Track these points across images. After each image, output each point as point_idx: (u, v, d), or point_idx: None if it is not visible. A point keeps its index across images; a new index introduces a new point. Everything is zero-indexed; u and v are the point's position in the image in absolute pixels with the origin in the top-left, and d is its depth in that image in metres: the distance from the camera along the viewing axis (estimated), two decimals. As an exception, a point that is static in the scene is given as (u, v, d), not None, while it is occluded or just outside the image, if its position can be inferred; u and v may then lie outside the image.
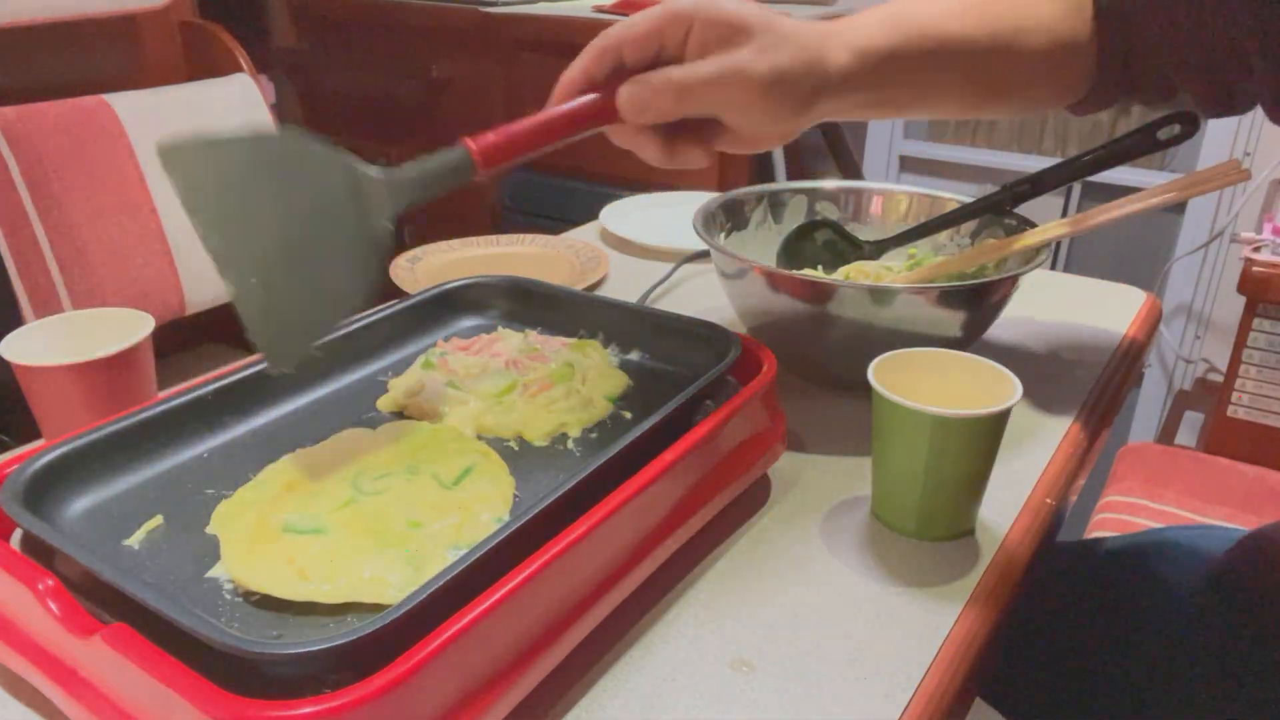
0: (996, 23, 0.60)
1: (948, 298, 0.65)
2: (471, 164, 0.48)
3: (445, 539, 0.46)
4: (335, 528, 0.47)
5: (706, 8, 0.52)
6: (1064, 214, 1.95)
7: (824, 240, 0.80)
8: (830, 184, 0.84)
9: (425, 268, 0.95)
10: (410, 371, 0.63)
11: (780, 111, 0.53)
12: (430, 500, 0.49)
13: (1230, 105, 0.62)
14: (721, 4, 0.52)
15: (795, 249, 0.79)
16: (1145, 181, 1.82)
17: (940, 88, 0.61)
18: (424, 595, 0.38)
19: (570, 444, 0.57)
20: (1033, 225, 0.74)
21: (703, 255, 0.96)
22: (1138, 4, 0.60)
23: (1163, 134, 0.68)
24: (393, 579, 0.43)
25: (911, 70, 0.58)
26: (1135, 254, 1.92)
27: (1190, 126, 0.67)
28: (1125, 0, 0.60)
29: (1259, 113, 0.61)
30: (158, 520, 0.48)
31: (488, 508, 0.49)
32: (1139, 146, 0.69)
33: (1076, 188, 1.94)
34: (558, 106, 0.53)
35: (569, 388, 0.60)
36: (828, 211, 0.83)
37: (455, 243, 1.01)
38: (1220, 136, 1.72)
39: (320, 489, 0.49)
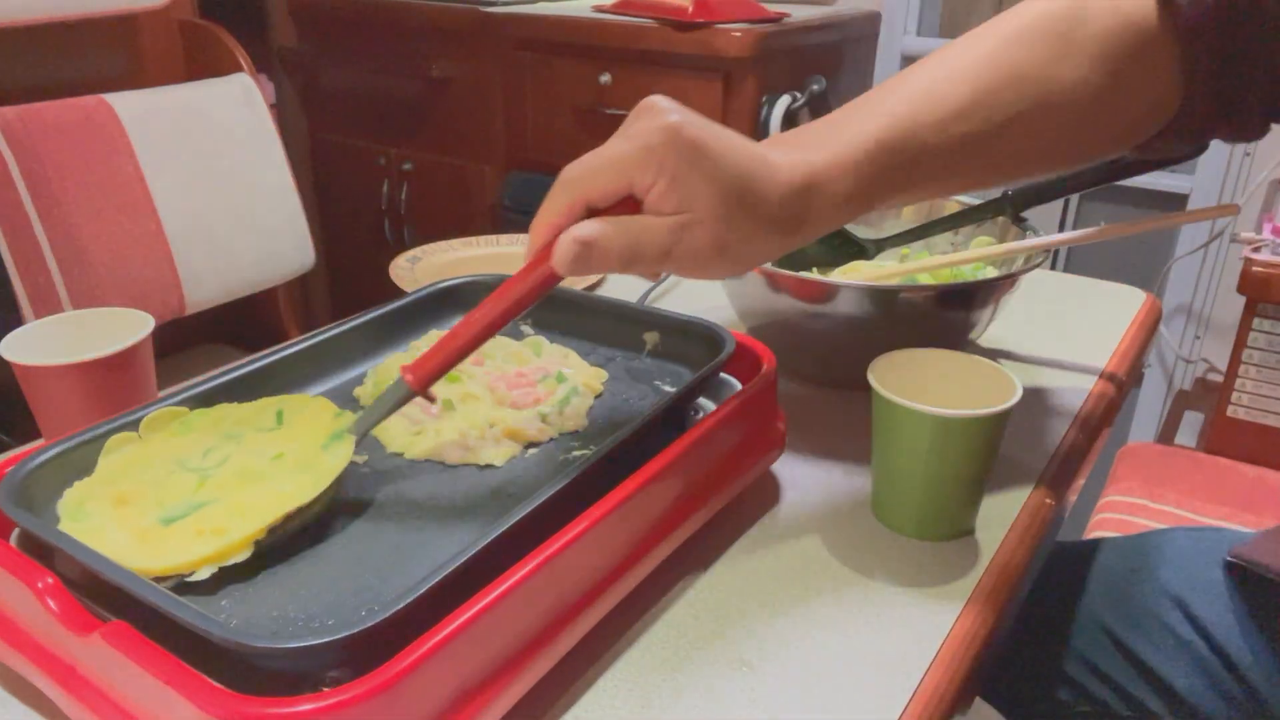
0: (1033, 94, 0.52)
1: (948, 298, 0.65)
2: (412, 395, 0.50)
3: (313, 443, 0.50)
4: (213, 496, 0.47)
5: (677, 167, 0.46)
6: (1063, 217, 1.96)
7: (823, 240, 0.80)
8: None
9: (425, 267, 0.95)
10: (388, 364, 0.63)
11: (744, 263, 0.49)
12: (269, 440, 0.51)
13: None
14: (680, 143, 0.46)
15: (795, 249, 0.79)
16: (1145, 182, 1.82)
17: (976, 168, 0.54)
18: (422, 591, 0.38)
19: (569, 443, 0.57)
20: (1032, 228, 0.74)
21: (703, 255, 0.96)
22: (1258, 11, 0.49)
23: None
24: (301, 480, 0.47)
25: (941, 164, 0.52)
26: (1135, 254, 1.92)
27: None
28: (1232, 10, 0.50)
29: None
30: (157, 519, 0.48)
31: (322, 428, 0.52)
32: (1144, 163, 0.68)
33: (1076, 188, 1.94)
34: (489, 306, 0.49)
35: (544, 410, 0.58)
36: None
37: (455, 242, 1.01)
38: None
39: (159, 491, 0.48)
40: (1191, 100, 0.53)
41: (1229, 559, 0.68)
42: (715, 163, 0.46)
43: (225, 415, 0.54)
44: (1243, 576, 0.68)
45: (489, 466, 0.54)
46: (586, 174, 0.47)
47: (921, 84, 0.53)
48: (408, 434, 0.57)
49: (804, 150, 0.50)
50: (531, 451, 0.56)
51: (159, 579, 0.42)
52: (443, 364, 0.50)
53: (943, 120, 0.51)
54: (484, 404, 0.59)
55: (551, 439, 0.57)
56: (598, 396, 0.62)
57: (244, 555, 0.44)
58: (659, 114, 0.46)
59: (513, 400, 0.59)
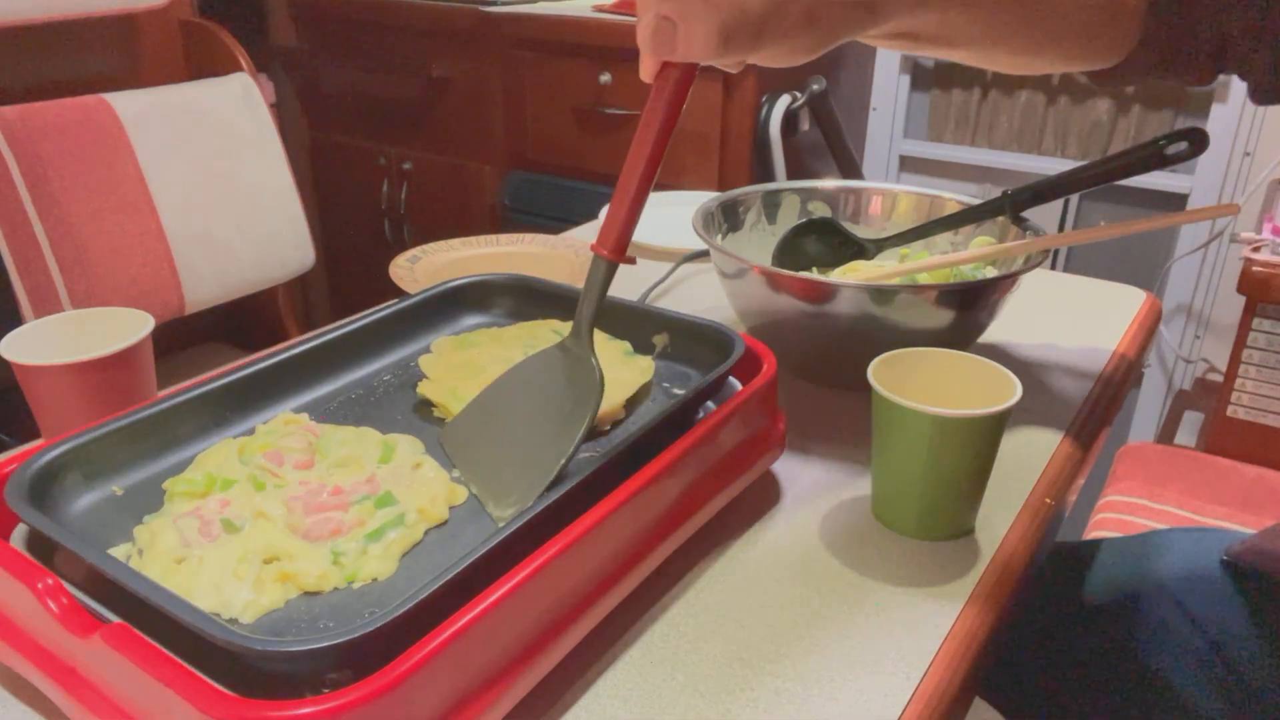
0: None
1: (948, 298, 0.65)
2: (614, 265, 0.51)
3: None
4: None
5: None
6: (1062, 216, 1.96)
7: (822, 240, 0.80)
8: (828, 184, 0.84)
9: (425, 267, 0.95)
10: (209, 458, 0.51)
11: (832, 35, 0.47)
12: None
13: None
14: None
15: (793, 248, 0.79)
16: (1145, 182, 1.82)
17: (968, 18, 0.53)
18: (424, 595, 0.38)
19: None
20: (1032, 227, 0.74)
21: (702, 255, 0.96)
22: None
23: (1171, 150, 0.67)
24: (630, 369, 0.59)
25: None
26: (1135, 254, 1.92)
27: (1199, 145, 0.67)
28: None
29: (1260, 112, 0.59)
30: (157, 520, 0.48)
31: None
32: (1145, 163, 0.68)
33: (1076, 188, 1.94)
34: (637, 154, 0.48)
35: (340, 548, 0.46)
36: (820, 211, 0.83)
37: (455, 242, 1.01)
38: (1221, 136, 1.72)
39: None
40: (1152, 33, 0.57)
41: (1224, 558, 0.68)
42: None
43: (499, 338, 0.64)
44: (1240, 575, 0.68)
45: (233, 621, 0.42)
46: None
47: None
48: (168, 559, 0.44)
49: None
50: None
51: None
52: (626, 223, 0.49)
53: None
54: (274, 528, 0.46)
55: (336, 588, 0.44)
56: (439, 526, 0.49)
57: (621, 415, 0.58)
58: None
59: (306, 529, 0.46)
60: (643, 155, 0.47)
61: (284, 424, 0.54)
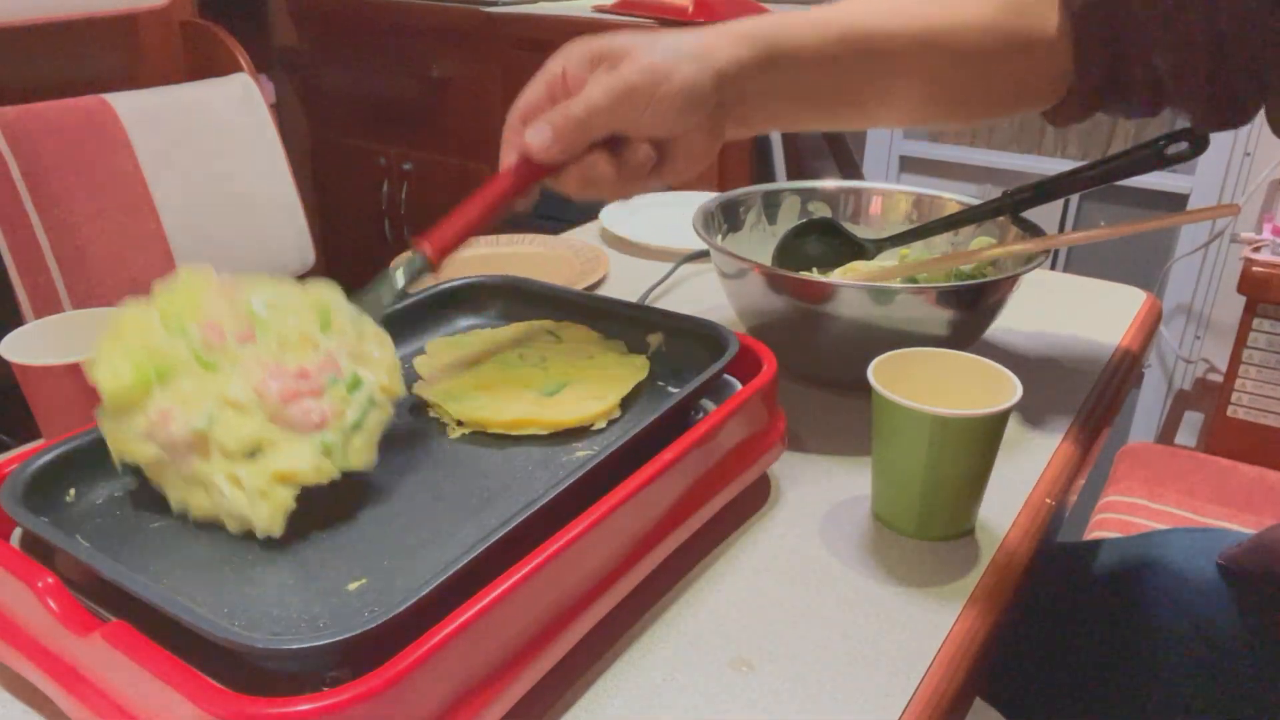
0: (925, 19, 0.58)
1: (948, 298, 0.65)
2: (430, 265, 0.55)
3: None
4: (566, 379, 0.58)
5: (575, 50, 0.56)
6: (1062, 216, 1.96)
7: (822, 240, 0.80)
8: (828, 184, 0.84)
9: (425, 267, 0.95)
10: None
11: (677, 109, 0.54)
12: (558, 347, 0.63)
13: (1235, 118, 0.59)
14: (588, 42, 0.56)
15: (792, 248, 0.79)
16: (1145, 182, 1.82)
17: (861, 82, 0.59)
18: (423, 593, 0.38)
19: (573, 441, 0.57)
20: (1032, 227, 0.74)
21: (702, 255, 0.96)
22: (1134, 2, 0.56)
23: (1171, 151, 0.67)
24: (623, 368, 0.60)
25: (821, 61, 0.56)
26: (1135, 254, 1.92)
27: (1199, 145, 0.66)
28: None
29: (1262, 112, 0.59)
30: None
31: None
32: (1145, 163, 0.68)
33: (1076, 188, 1.94)
34: (491, 193, 0.56)
35: (329, 440, 0.43)
36: (820, 211, 0.83)
37: (455, 242, 1.01)
38: (1221, 136, 1.72)
39: (514, 379, 0.58)
40: (1084, 71, 0.59)
41: (1219, 562, 0.69)
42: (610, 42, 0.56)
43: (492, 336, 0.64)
44: (1235, 578, 0.68)
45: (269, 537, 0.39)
46: (522, 100, 0.56)
47: None
48: (177, 485, 0.42)
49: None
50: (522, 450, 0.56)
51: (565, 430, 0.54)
52: (459, 234, 0.55)
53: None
54: (251, 421, 0.41)
55: (334, 480, 0.42)
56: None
57: (616, 414, 0.56)
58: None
59: (289, 418, 0.42)
60: (496, 195, 0.55)
61: (192, 280, 0.46)
